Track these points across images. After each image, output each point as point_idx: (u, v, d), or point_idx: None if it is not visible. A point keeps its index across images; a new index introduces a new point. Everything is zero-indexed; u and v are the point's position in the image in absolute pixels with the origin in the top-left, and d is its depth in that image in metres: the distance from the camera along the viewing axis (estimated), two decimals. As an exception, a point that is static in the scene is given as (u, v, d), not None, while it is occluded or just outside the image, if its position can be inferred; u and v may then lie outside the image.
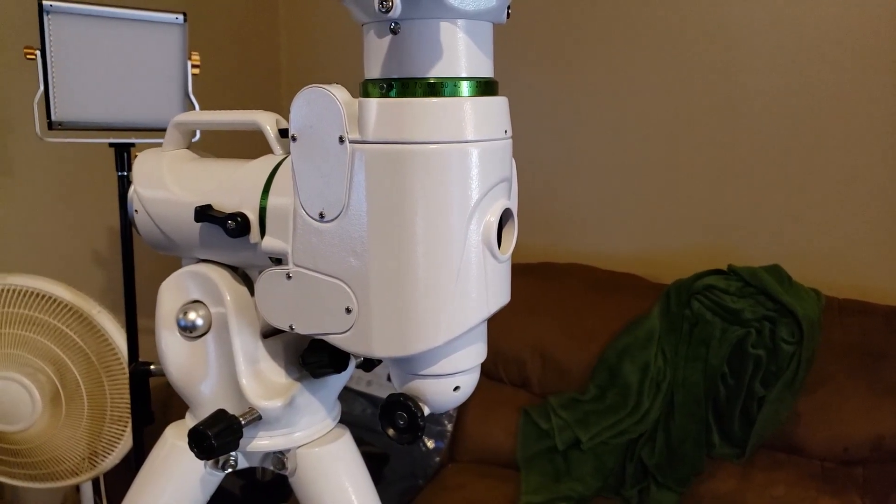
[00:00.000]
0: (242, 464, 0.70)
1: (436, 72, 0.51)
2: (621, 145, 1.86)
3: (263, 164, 0.62)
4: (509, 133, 0.55)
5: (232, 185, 0.63)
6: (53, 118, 1.09)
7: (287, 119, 0.58)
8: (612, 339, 1.61)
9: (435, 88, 0.51)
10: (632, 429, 1.54)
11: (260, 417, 0.64)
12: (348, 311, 0.55)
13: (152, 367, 1.10)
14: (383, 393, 1.64)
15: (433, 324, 0.53)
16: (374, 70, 0.52)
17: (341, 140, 0.53)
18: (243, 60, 2.10)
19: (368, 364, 0.70)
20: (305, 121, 0.54)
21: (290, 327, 0.59)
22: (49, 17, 1.05)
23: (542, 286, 1.73)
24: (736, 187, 1.75)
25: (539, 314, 1.68)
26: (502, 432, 1.62)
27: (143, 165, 0.71)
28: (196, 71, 1.14)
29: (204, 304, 0.66)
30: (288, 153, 0.61)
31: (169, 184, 0.68)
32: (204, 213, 0.62)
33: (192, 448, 0.60)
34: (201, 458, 0.62)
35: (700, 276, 1.59)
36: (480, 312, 0.55)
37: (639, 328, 1.59)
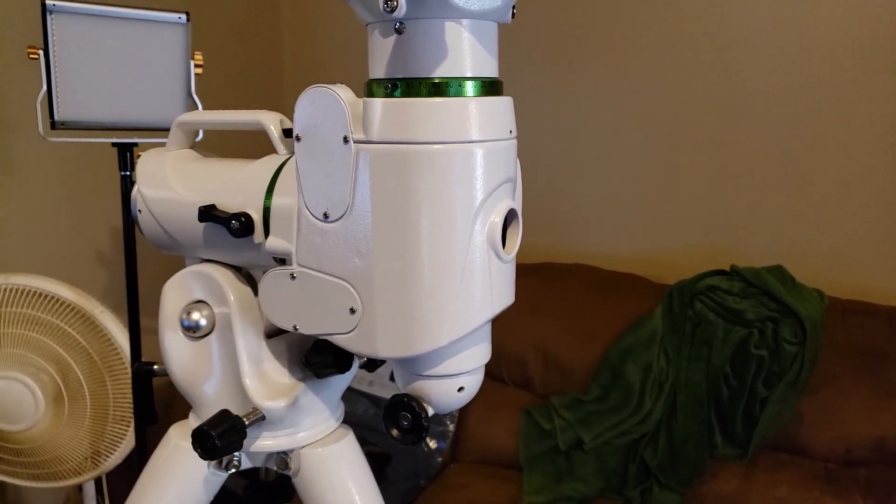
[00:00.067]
0: (246, 464, 0.70)
1: (440, 72, 0.50)
2: (623, 145, 1.86)
3: (267, 164, 0.62)
4: (514, 133, 0.55)
5: (236, 185, 0.63)
6: (56, 118, 1.09)
7: (291, 119, 0.58)
8: (615, 340, 1.61)
9: (440, 88, 0.51)
10: (634, 429, 1.54)
11: (263, 418, 0.63)
12: (352, 311, 0.55)
13: (155, 366, 1.10)
14: (386, 393, 1.64)
15: (437, 324, 0.53)
16: (378, 70, 0.52)
17: (346, 140, 0.52)
18: (246, 60, 2.10)
19: (372, 364, 0.70)
20: (310, 121, 0.54)
21: (294, 327, 0.59)
22: (52, 16, 1.05)
23: (545, 286, 1.73)
24: (738, 187, 1.75)
25: (541, 314, 1.68)
26: (505, 433, 1.62)
27: (147, 165, 0.71)
28: (199, 71, 1.14)
29: (207, 304, 0.66)
30: (292, 153, 0.61)
31: (173, 184, 0.68)
32: (208, 213, 0.62)
33: (195, 448, 0.60)
34: (205, 459, 0.62)
35: (703, 276, 1.59)
36: (485, 313, 0.55)
37: (641, 328, 1.59)
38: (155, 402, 1.22)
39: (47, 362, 1.30)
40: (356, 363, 0.68)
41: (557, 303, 1.71)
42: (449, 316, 0.53)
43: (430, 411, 0.56)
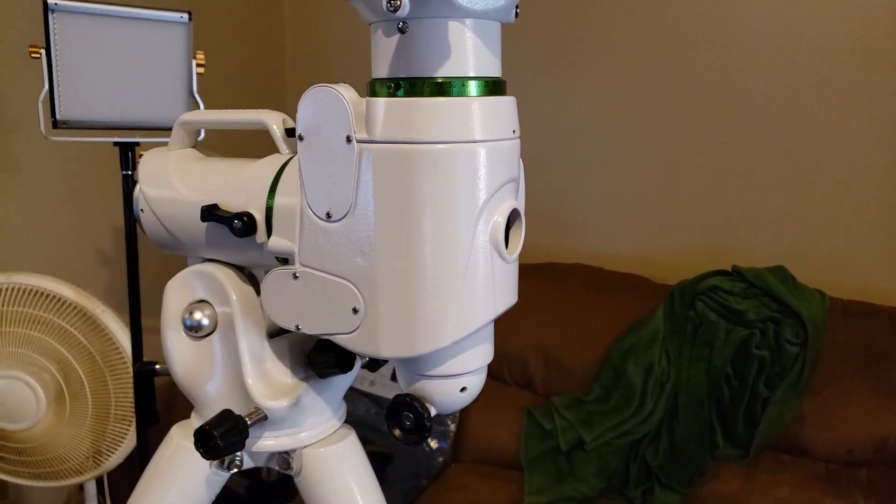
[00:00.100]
0: (248, 464, 0.70)
1: (444, 71, 0.50)
2: (625, 146, 1.86)
3: (270, 164, 0.62)
4: (517, 133, 0.55)
5: (238, 184, 0.63)
6: (58, 117, 1.09)
7: (293, 118, 0.58)
8: (616, 340, 1.61)
9: (443, 88, 0.51)
10: (635, 429, 1.54)
11: (266, 417, 0.63)
12: (355, 311, 0.55)
13: (157, 366, 1.10)
14: (387, 392, 1.64)
15: (440, 324, 0.53)
16: (381, 69, 0.52)
17: (349, 140, 0.52)
18: (247, 60, 2.10)
19: (374, 364, 0.70)
20: (313, 120, 0.54)
21: (297, 327, 0.59)
22: (54, 15, 1.05)
23: (546, 286, 1.73)
24: (739, 188, 1.75)
25: (543, 314, 1.68)
26: (506, 433, 1.62)
27: (149, 165, 0.71)
28: (201, 70, 1.14)
29: (210, 303, 0.66)
30: (294, 153, 0.61)
31: (175, 183, 0.67)
32: (210, 213, 0.62)
33: (198, 448, 0.60)
34: (207, 459, 0.61)
35: (704, 276, 1.59)
36: (488, 313, 0.54)
37: (643, 329, 1.59)
38: (156, 401, 1.22)
39: (49, 361, 1.30)
40: (358, 363, 0.68)
41: (559, 303, 1.71)
42: (452, 316, 0.53)
43: (433, 411, 0.56)
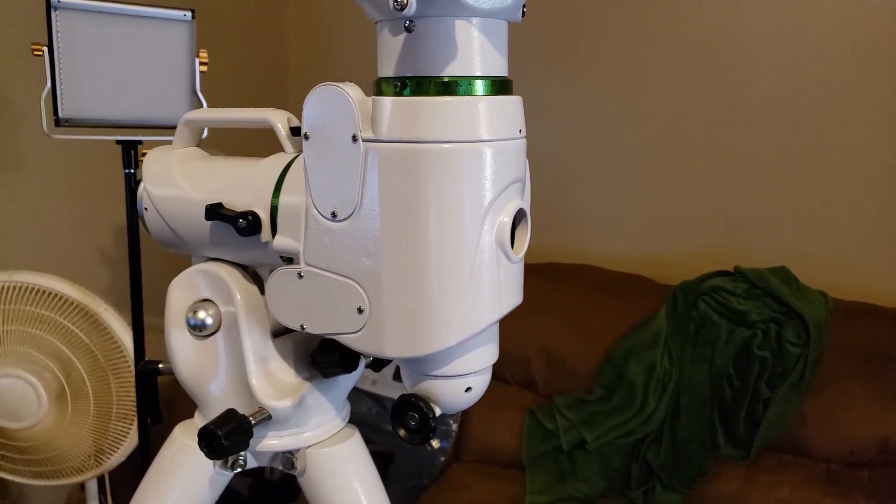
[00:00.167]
0: (251, 463, 0.70)
1: (450, 70, 0.50)
2: (628, 147, 1.86)
3: (275, 163, 0.62)
4: (523, 133, 0.55)
5: (243, 183, 0.63)
6: (60, 115, 1.08)
7: (297, 117, 0.58)
8: (619, 340, 1.60)
9: (449, 87, 0.50)
10: (637, 429, 1.54)
11: (270, 417, 0.63)
12: (360, 310, 0.54)
13: (161, 365, 1.10)
14: (389, 392, 1.64)
15: (446, 324, 0.53)
16: (387, 68, 0.52)
17: (354, 139, 0.52)
18: (250, 58, 2.10)
19: (378, 364, 0.70)
20: (318, 119, 0.54)
21: (301, 327, 0.58)
22: (57, 13, 1.04)
23: (549, 286, 1.72)
24: (742, 189, 1.75)
25: (545, 314, 1.68)
26: (508, 432, 1.62)
27: (153, 163, 0.70)
28: (204, 68, 1.14)
29: (214, 302, 0.66)
30: (299, 152, 0.61)
31: (179, 181, 0.67)
32: (214, 212, 0.62)
33: (201, 448, 0.60)
34: (211, 458, 0.61)
35: (706, 277, 1.59)
36: (493, 313, 0.54)
37: (645, 329, 1.59)
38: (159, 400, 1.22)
39: (51, 360, 1.30)
40: (363, 363, 0.67)
41: (561, 303, 1.71)
42: (457, 316, 0.53)
43: (438, 411, 0.56)
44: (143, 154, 0.73)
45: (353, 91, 0.53)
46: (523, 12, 0.53)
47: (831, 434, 1.45)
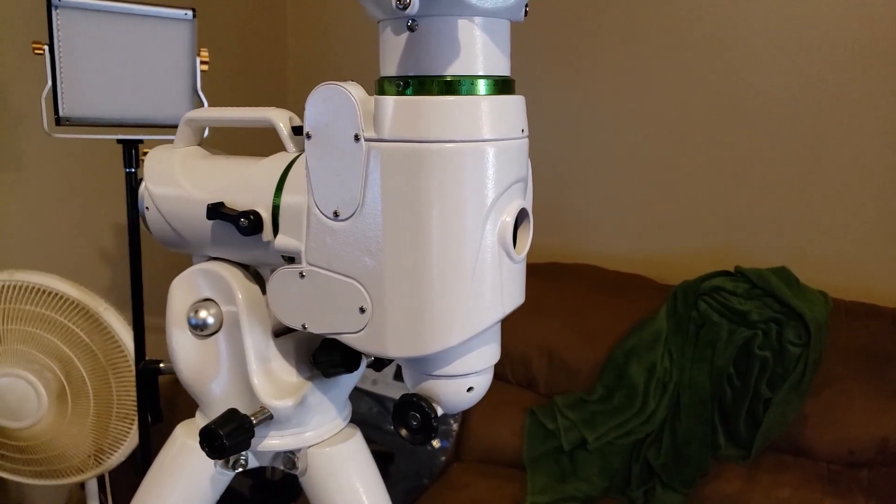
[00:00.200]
0: (253, 463, 0.70)
1: (453, 70, 0.50)
2: (628, 146, 1.86)
3: (277, 162, 0.62)
4: (526, 132, 0.55)
5: (245, 182, 0.63)
6: (61, 114, 1.08)
7: (299, 116, 0.58)
8: (619, 340, 1.60)
9: (452, 86, 0.50)
10: (638, 429, 1.54)
11: (271, 417, 0.63)
12: (362, 310, 0.54)
13: (162, 365, 1.10)
14: (389, 391, 1.64)
15: (448, 324, 0.52)
16: (390, 68, 0.52)
17: (357, 138, 0.52)
18: (249, 57, 2.10)
19: (379, 363, 0.70)
20: (320, 118, 0.54)
21: (303, 326, 0.58)
22: (57, 11, 1.04)
23: (550, 286, 1.72)
24: (743, 189, 1.75)
25: (546, 314, 1.68)
26: (508, 432, 1.62)
27: (155, 162, 0.70)
28: (205, 67, 1.13)
29: (215, 302, 0.66)
30: (301, 151, 0.61)
31: (181, 181, 0.67)
32: (216, 211, 0.62)
33: (203, 447, 0.60)
34: (212, 458, 0.61)
35: (707, 277, 1.59)
36: (495, 313, 0.54)
37: (645, 329, 1.59)
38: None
39: (51, 359, 1.30)
40: (364, 362, 0.67)
41: (562, 303, 1.70)
42: (459, 316, 0.52)
43: (440, 411, 0.56)
44: (144, 153, 0.72)
45: (355, 90, 0.53)
46: (526, 11, 0.53)
47: (831, 434, 1.45)
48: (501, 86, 0.52)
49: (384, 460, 1.58)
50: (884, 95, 1.59)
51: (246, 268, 0.67)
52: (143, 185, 0.70)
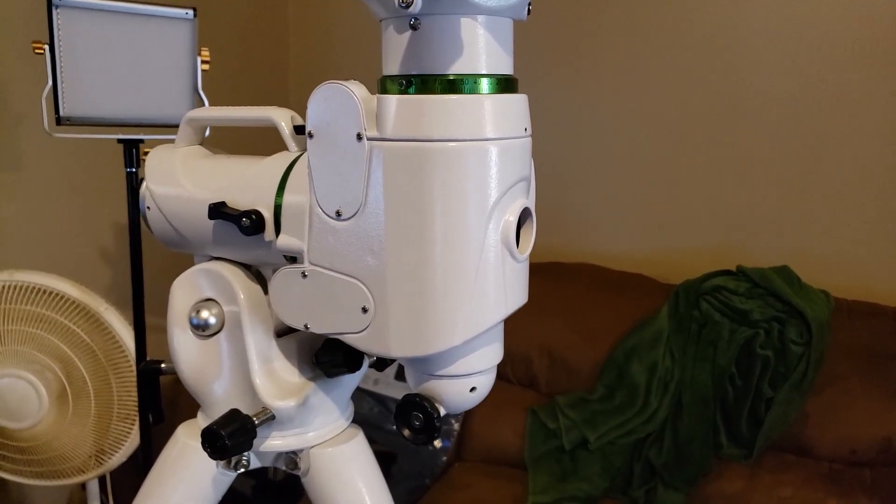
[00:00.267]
0: (255, 464, 0.69)
1: (455, 68, 0.50)
2: (629, 146, 1.86)
3: (278, 161, 0.61)
4: (529, 131, 0.55)
5: (246, 182, 0.62)
6: (62, 113, 1.08)
7: (300, 115, 0.58)
8: (621, 339, 1.60)
9: (454, 85, 0.50)
10: (639, 429, 1.53)
11: (273, 417, 0.63)
12: (364, 310, 0.54)
13: (163, 365, 1.10)
14: (390, 391, 1.64)
15: (451, 324, 0.52)
16: (392, 66, 0.51)
17: (359, 137, 0.52)
18: (250, 57, 2.09)
19: (381, 363, 0.70)
20: (322, 117, 0.53)
21: (305, 326, 0.58)
22: (58, 11, 1.04)
23: (551, 286, 1.72)
24: (745, 188, 1.75)
25: (547, 314, 1.68)
26: (510, 432, 1.61)
27: (156, 161, 0.70)
28: (206, 67, 1.13)
29: (217, 302, 0.65)
30: (303, 150, 0.60)
31: (182, 180, 0.67)
32: (218, 211, 0.61)
33: (205, 448, 0.59)
34: (214, 459, 0.61)
35: (709, 276, 1.59)
36: (498, 312, 0.54)
37: (647, 328, 1.58)
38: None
39: (51, 360, 1.30)
40: (366, 362, 0.67)
41: (563, 302, 1.70)
42: (462, 315, 0.52)
43: (442, 411, 0.56)
44: (145, 153, 0.72)
45: (357, 89, 0.52)
46: (529, 10, 0.52)
47: (833, 433, 1.45)
48: (504, 84, 0.52)
49: (386, 460, 1.58)
50: (884, 95, 1.59)
51: (248, 268, 0.67)
52: (144, 184, 0.70)
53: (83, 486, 1.49)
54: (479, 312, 0.53)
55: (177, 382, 0.69)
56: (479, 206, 0.51)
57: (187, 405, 0.71)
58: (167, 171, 0.68)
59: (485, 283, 0.52)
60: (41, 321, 1.29)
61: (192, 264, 0.69)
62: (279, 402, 0.63)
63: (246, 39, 2.07)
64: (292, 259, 0.59)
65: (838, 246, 1.68)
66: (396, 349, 0.54)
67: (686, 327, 1.56)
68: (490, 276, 0.52)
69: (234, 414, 0.61)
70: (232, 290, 0.64)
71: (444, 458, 1.62)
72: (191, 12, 1.11)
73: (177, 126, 0.72)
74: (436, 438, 0.55)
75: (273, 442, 0.66)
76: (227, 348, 0.65)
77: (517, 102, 0.53)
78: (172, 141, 0.72)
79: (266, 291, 0.65)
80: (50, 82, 1.06)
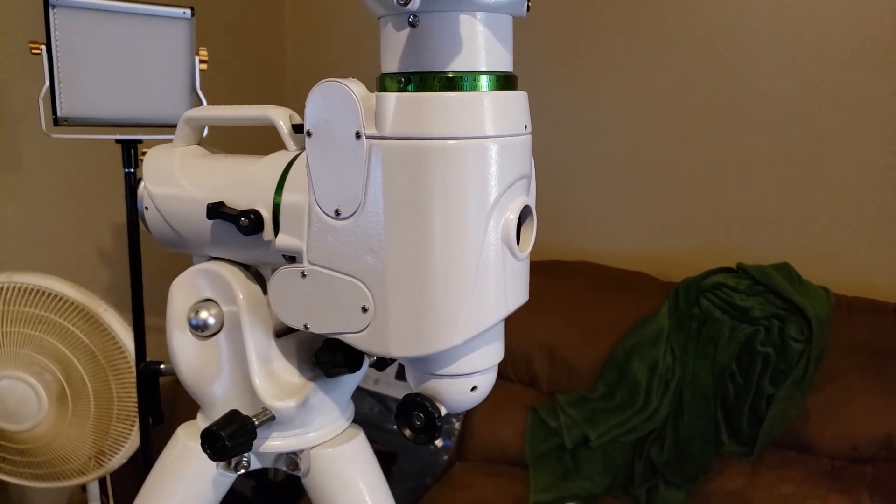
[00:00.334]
0: (255, 464, 0.69)
1: (455, 66, 0.50)
2: (630, 144, 1.85)
3: (277, 161, 0.61)
4: (529, 128, 0.55)
5: (245, 181, 0.62)
6: (59, 114, 1.08)
7: (299, 114, 0.57)
8: (621, 337, 1.60)
9: (454, 83, 0.50)
10: (640, 427, 1.53)
11: (273, 418, 0.63)
12: (364, 309, 0.54)
13: (162, 366, 1.09)
14: (391, 391, 1.64)
15: (451, 323, 0.52)
16: (391, 64, 0.51)
17: (358, 135, 0.52)
18: (249, 55, 2.09)
19: (381, 363, 0.70)
20: (321, 115, 0.53)
21: (305, 326, 0.58)
22: (55, 11, 1.04)
23: (551, 284, 1.72)
24: (745, 186, 1.75)
25: (548, 312, 1.67)
26: (511, 431, 1.61)
27: (154, 161, 0.70)
28: (204, 66, 1.13)
29: (216, 302, 0.65)
30: (301, 149, 0.60)
31: (180, 180, 0.67)
32: (216, 211, 0.61)
33: (205, 449, 0.59)
34: (214, 460, 0.61)
35: (709, 274, 1.58)
36: (499, 311, 0.54)
37: (647, 326, 1.58)
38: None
39: (51, 361, 1.30)
40: (366, 362, 0.67)
41: (563, 300, 1.70)
42: (463, 314, 0.52)
43: (443, 411, 0.55)
44: (143, 153, 0.72)
45: (356, 87, 0.52)
46: (528, 7, 0.52)
47: (834, 430, 1.45)
48: (504, 81, 0.52)
49: (387, 460, 1.58)
50: (884, 95, 1.59)
51: (247, 268, 0.67)
52: (142, 184, 0.70)
53: (83, 487, 1.49)
54: (480, 311, 0.52)
55: (176, 383, 0.68)
56: (480, 204, 0.51)
57: (187, 406, 0.71)
58: (165, 171, 0.68)
59: (485, 281, 0.52)
60: (40, 323, 1.29)
61: (191, 265, 0.68)
62: (279, 403, 0.62)
63: (244, 38, 2.07)
64: (291, 259, 0.58)
65: (838, 244, 1.68)
66: (396, 349, 0.53)
67: (686, 325, 1.56)
68: (490, 274, 0.52)
69: (233, 415, 0.61)
70: (231, 291, 0.64)
71: (445, 458, 1.61)
72: (188, 12, 1.11)
73: (175, 126, 0.71)
74: (437, 438, 0.55)
75: (273, 442, 0.66)
76: (227, 349, 0.65)
77: (517, 100, 0.53)
78: (170, 141, 0.72)
79: (265, 291, 0.65)
80: (47, 83, 1.06)
